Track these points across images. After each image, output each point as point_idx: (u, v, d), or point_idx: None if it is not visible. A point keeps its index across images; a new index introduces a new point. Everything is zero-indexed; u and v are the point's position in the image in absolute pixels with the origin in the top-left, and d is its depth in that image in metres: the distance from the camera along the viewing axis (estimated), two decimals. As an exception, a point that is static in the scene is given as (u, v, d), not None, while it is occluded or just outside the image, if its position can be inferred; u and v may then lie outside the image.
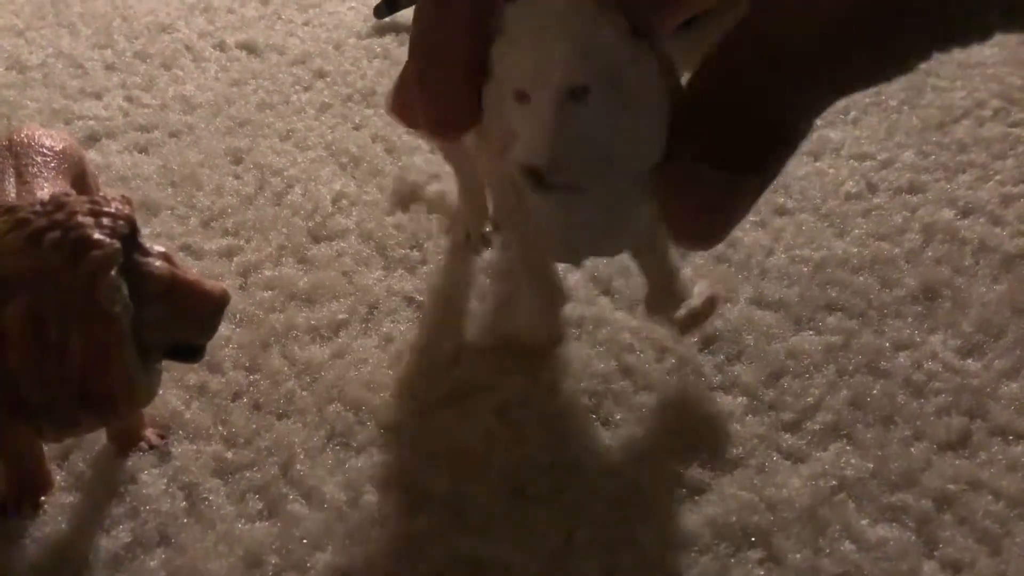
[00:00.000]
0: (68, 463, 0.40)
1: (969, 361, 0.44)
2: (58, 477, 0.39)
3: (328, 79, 0.63)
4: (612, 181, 0.30)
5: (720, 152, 0.23)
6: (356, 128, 0.59)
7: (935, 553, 0.37)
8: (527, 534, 0.37)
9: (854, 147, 0.57)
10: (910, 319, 0.46)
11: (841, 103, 0.64)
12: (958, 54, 0.64)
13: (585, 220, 0.34)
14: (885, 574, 0.36)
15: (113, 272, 0.31)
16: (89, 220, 0.32)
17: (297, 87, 0.63)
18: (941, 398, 0.42)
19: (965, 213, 0.52)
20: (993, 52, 0.64)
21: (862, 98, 0.60)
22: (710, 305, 0.42)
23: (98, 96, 0.62)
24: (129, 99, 0.61)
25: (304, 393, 0.43)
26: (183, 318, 0.34)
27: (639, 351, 0.44)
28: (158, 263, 0.33)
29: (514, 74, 0.29)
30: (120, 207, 0.33)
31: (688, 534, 0.37)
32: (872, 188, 0.54)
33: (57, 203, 0.32)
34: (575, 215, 0.33)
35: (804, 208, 0.53)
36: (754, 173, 0.23)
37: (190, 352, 0.35)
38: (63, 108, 0.60)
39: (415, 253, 0.50)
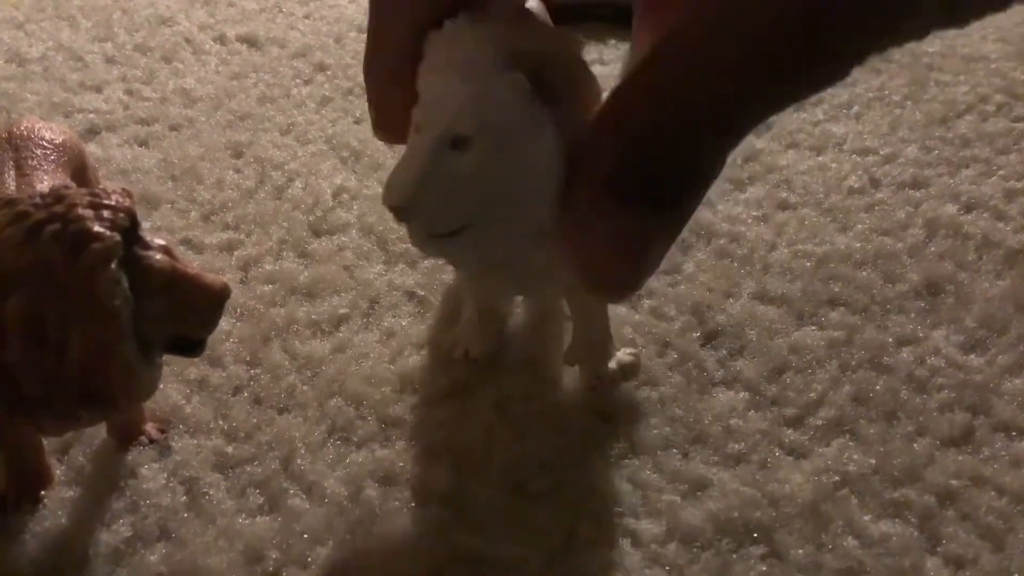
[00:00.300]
0: (68, 457, 0.40)
1: (972, 357, 0.44)
2: (58, 471, 0.39)
3: (329, 72, 0.63)
4: (495, 230, 0.29)
5: (629, 186, 0.20)
6: (357, 122, 0.59)
7: (938, 549, 0.37)
8: (528, 531, 0.37)
9: (857, 142, 0.57)
10: (913, 314, 0.46)
11: (844, 97, 0.64)
12: (962, 48, 0.64)
13: (474, 260, 0.33)
14: (888, 570, 0.36)
15: (113, 265, 0.31)
16: (89, 213, 0.31)
17: (298, 80, 0.62)
18: (944, 394, 0.42)
19: (968, 208, 0.52)
20: (996, 47, 0.64)
21: (865, 92, 0.60)
22: (626, 372, 0.42)
23: (98, 89, 0.61)
24: (129, 92, 0.61)
25: (305, 388, 0.43)
26: (184, 312, 0.34)
27: (641, 346, 0.44)
28: (159, 256, 0.33)
29: (419, 103, 0.29)
30: (120, 200, 0.32)
31: (690, 530, 0.37)
32: (875, 183, 0.54)
33: (57, 196, 0.32)
34: (461, 254, 0.32)
35: (807, 203, 0.52)
36: (667, 210, 0.21)
37: (191, 346, 0.35)
38: (63, 101, 0.60)
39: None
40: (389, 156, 0.56)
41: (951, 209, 0.52)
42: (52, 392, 0.32)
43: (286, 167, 0.55)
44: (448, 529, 0.37)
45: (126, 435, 0.40)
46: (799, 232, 0.50)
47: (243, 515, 0.38)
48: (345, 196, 0.53)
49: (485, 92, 0.27)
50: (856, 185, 0.54)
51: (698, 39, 0.19)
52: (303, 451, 0.40)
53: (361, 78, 0.60)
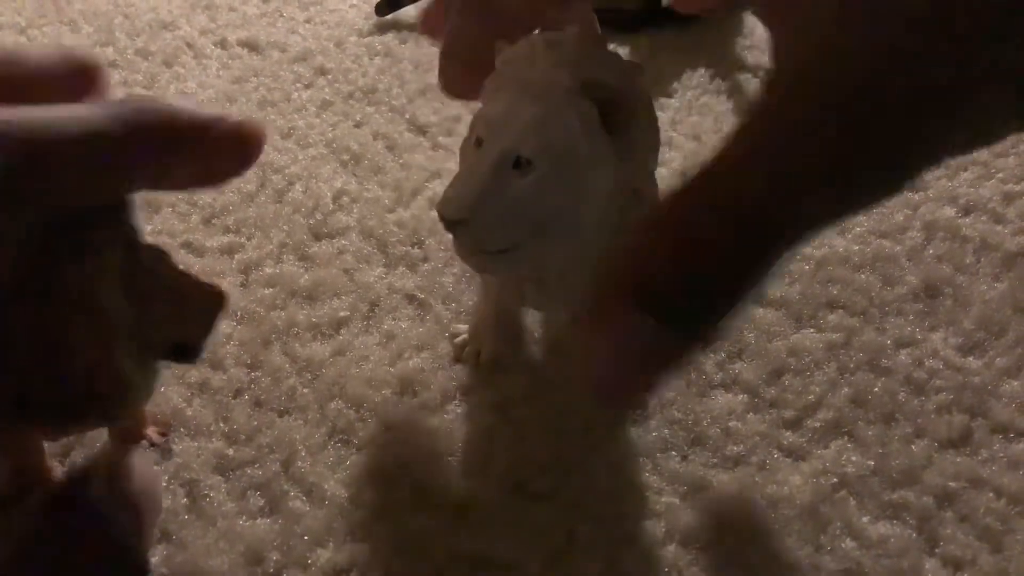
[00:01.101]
0: (69, 460, 0.40)
1: (970, 359, 0.44)
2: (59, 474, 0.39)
3: (329, 77, 0.63)
4: (543, 252, 0.29)
5: (654, 295, 0.19)
6: (357, 126, 0.59)
7: (936, 550, 0.37)
8: (528, 532, 0.37)
9: (855, 145, 0.57)
10: (911, 317, 0.46)
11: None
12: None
13: (515, 276, 0.33)
14: (886, 571, 0.36)
15: (113, 269, 0.31)
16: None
17: (298, 85, 0.63)
18: (942, 396, 0.42)
19: (966, 211, 0.52)
20: (995, 50, 0.64)
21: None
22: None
23: (99, 93, 0.62)
24: (130, 97, 0.61)
25: (305, 390, 0.43)
26: (181, 317, 0.34)
27: (640, 349, 0.44)
28: (158, 261, 0.33)
29: (482, 116, 0.29)
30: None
31: (689, 531, 0.37)
32: (873, 186, 0.54)
33: (58, 200, 0.32)
34: (505, 271, 0.32)
35: (805, 206, 0.53)
36: (686, 328, 0.20)
37: (188, 352, 0.35)
38: (64, 105, 0.60)
39: (416, 250, 0.50)
40: (389, 160, 0.56)
41: (949, 212, 0.52)
42: (51, 396, 0.32)
43: (287, 171, 0.55)
44: (449, 530, 0.38)
45: (127, 438, 0.40)
46: (798, 235, 0.51)
47: (244, 517, 0.38)
48: (345, 199, 0.53)
49: (554, 117, 0.27)
50: (855, 188, 0.54)
51: (748, 146, 0.19)
52: (304, 453, 0.40)
53: (362, 83, 0.60)
